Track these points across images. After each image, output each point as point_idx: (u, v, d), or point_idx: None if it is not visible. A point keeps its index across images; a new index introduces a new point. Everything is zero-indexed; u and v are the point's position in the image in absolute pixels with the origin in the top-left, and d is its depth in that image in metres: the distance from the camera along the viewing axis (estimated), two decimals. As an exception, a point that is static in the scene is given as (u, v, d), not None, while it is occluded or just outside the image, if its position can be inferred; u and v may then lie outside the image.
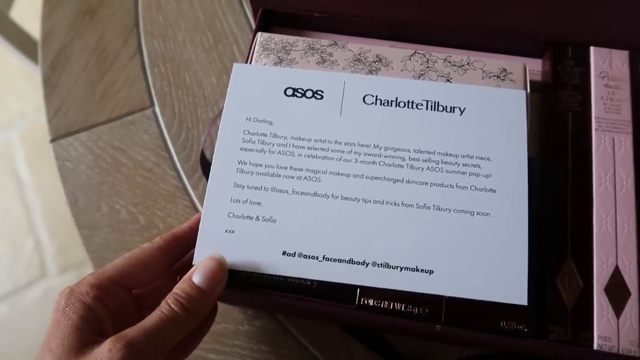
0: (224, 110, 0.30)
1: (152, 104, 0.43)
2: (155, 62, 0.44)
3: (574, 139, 0.31)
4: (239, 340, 0.35)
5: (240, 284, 0.27)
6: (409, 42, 0.35)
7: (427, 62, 0.32)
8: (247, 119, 0.30)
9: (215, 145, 0.29)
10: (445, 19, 0.35)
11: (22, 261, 1.00)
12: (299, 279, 0.27)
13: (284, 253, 0.27)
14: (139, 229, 0.39)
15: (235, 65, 0.31)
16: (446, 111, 0.30)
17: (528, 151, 0.29)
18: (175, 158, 0.41)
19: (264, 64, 0.32)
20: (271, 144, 0.29)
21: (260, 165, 0.29)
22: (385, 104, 0.30)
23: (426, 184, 0.28)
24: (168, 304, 0.24)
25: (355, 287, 0.27)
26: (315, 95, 0.30)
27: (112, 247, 0.38)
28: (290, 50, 0.32)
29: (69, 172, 0.41)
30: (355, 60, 0.32)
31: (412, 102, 0.30)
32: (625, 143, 0.30)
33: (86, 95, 0.43)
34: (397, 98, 0.30)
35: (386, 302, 0.27)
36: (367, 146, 0.29)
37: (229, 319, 0.35)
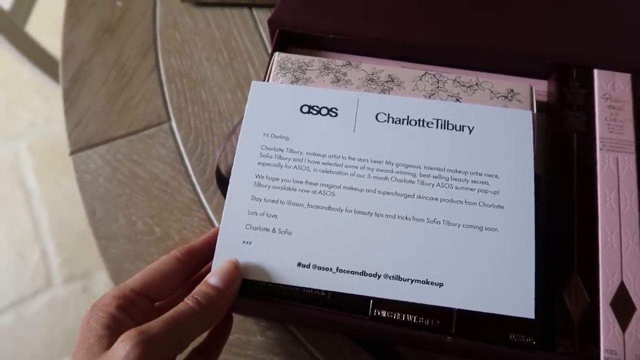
0: (242, 126, 0.31)
1: (169, 119, 0.44)
2: (172, 78, 0.45)
3: (579, 158, 0.32)
4: (252, 351, 0.36)
5: (256, 294, 0.28)
6: (420, 63, 0.37)
7: (438, 82, 0.33)
8: (264, 134, 0.31)
9: (234, 160, 0.30)
10: (455, 42, 0.36)
11: (28, 271, 1.00)
12: (314, 289, 0.28)
13: (299, 264, 0.28)
14: (155, 240, 0.40)
15: (253, 82, 0.32)
16: (455, 130, 0.31)
17: (535, 169, 0.30)
18: (191, 172, 0.42)
19: (281, 82, 0.33)
20: (287, 159, 0.30)
21: (277, 179, 0.30)
22: (397, 122, 0.31)
23: (436, 199, 0.29)
24: (185, 302, 0.26)
25: (368, 298, 0.28)
26: (330, 112, 0.32)
27: (128, 258, 0.39)
28: (306, 69, 0.34)
29: (87, 184, 0.42)
30: (369, 80, 0.33)
31: (423, 121, 0.31)
32: (629, 162, 0.31)
33: (105, 110, 0.45)
34: (408, 116, 0.31)
35: (398, 314, 0.28)
36: (379, 162, 0.30)
37: (242, 329, 0.36)
